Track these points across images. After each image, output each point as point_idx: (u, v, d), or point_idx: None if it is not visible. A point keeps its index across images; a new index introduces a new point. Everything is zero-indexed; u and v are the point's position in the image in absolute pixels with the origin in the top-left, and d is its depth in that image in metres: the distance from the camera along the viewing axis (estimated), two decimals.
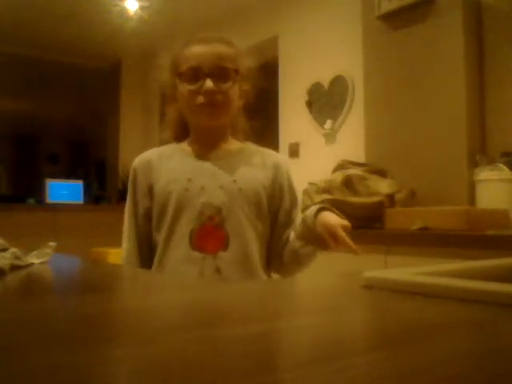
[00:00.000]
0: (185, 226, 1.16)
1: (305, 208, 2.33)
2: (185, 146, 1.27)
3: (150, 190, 1.22)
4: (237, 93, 1.21)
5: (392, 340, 0.37)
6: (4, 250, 0.83)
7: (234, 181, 1.19)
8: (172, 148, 1.28)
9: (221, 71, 1.17)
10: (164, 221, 1.18)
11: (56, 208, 4.49)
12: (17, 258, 0.81)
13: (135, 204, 1.24)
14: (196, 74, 1.17)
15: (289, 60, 3.58)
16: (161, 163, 1.23)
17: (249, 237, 1.18)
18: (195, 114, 1.21)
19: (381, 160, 2.62)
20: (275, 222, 1.24)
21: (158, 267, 1.18)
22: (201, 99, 1.16)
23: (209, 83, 1.15)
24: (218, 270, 1.14)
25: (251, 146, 1.29)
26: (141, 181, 1.24)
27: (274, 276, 1.29)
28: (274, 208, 1.24)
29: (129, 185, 1.26)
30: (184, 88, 1.18)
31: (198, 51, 1.18)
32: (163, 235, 1.17)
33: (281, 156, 1.38)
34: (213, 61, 1.16)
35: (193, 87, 1.17)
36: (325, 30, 3.28)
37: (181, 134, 1.29)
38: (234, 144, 1.27)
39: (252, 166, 1.24)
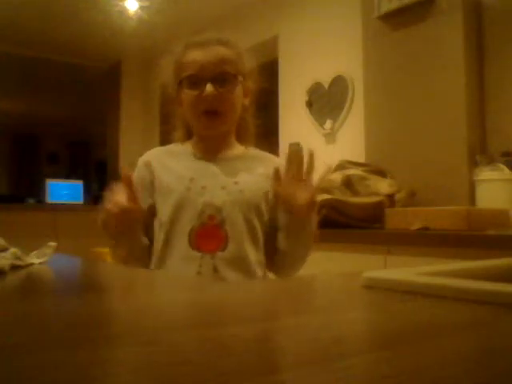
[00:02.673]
0: (185, 225, 1.16)
1: None
2: (189, 146, 1.28)
3: (153, 187, 1.23)
4: (240, 94, 1.22)
5: (392, 340, 0.37)
6: (4, 250, 0.83)
7: (236, 182, 1.20)
8: (177, 148, 1.29)
9: (222, 76, 1.18)
10: (165, 219, 1.18)
11: (56, 208, 4.49)
12: (17, 257, 0.81)
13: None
14: (197, 80, 1.18)
15: (289, 60, 3.58)
16: (163, 162, 1.24)
17: (247, 238, 1.18)
18: (198, 121, 1.22)
19: (381, 160, 2.62)
20: (276, 222, 1.25)
21: (157, 264, 1.19)
22: (203, 105, 1.17)
23: (209, 88, 1.16)
24: (215, 270, 1.14)
25: (254, 151, 1.30)
26: (143, 179, 1.24)
27: (272, 276, 1.29)
28: (274, 210, 1.25)
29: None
30: (186, 94, 1.20)
31: (198, 57, 1.18)
32: (163, 233, 1.18)
33: (279, 159, 1.39)
34: (213, 66, 1.17)
35: (194, 93, 1.18)
36: (325, 30, 3.28)
37: (188, 134, 1.30)
38: (237, 149, 1.28)
39: (254, 170, 1.25)
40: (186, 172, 1.21)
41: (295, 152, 1.16)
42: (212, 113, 1.18)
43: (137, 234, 1.19)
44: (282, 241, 1.23)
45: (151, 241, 1.24)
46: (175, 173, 1.22)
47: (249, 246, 1.18)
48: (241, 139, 1.31)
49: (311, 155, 1.16)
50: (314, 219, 1.22)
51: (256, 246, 1.20)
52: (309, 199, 1.14)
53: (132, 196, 1.09)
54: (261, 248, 1.22)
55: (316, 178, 1.17)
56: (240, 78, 1.21)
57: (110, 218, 1.10)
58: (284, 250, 1.23)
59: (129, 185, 1.09)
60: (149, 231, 1.23)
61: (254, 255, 1.19)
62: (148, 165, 1.25)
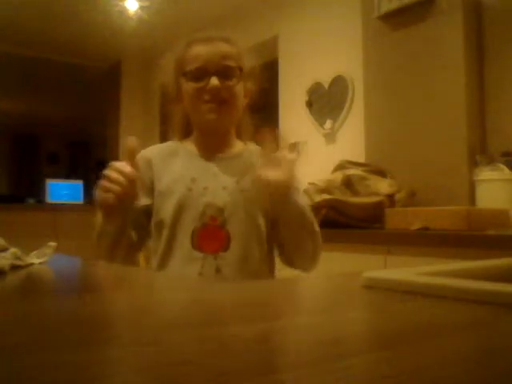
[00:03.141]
0: (187, 226, 1.16)
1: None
2: (189, 145, 1.27)
3: (152, 188, 1.22)
4: (242, 91, 1.22)
5: (392, 340, 0.37)
6: (4, 250, 0.83)
7: (237, 182, 1.20)
8: (174, 146, 1.28)
9: (226, 70, 1.18)
10: (166, 220, 1.18)
11: (56, 208, 4.49)
12: (17, 257, 0.81)
13: None
14: (201, 74, 1.18)
15: (289, 60, 3.58)
16: (163, 161, 1.24)
17: (250, 238, 1.18)
18: (201, 113, 1.21)
19: (381, 160, 2.62)
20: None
21: (159, 265, 1.19)
22: (206, 96, 1.17)
23: (214, 80, 1.16)
24: (218, 270, 1.14)
25: (253, 147, 1.30)
26: (142, 176, 1.23)
27: (278, 276, 1.28)
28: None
29: None
30: (189, 86, 1.19)
31: (203, 51, 1.19)
32: (165, 234, 1.18)
33: None
34: (217, 60, 1.18)
35: (198, 85, 1.18)
36: (325, 29, 3.28)
37: (185, 133, 1.30)
38: (237, 146, 1.28)
39: (254, 167, 1.24)
40: (187, 172, 1.21)
41: (269, 138, 1.11)
42: (216, 102, 1.18)
43: (128, 216, 1.13)
44: (280, 232, 1.19)
45: (143, 239, 1.23)
46: (176, 173, 1.21)
47: (253, 245, 1.18)
48: (240, 137, 1.31)
49: (281, 137, 1.13)
50: (304, 201, 1.18)
51: (260, 244, 1.20)
52: (286, 176, 1.08)
53: (135, 169, 1.04)
54: (266, 246, 1.21)
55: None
56: (242, 75, 1.21)
57: (110, 186, 1.02)
58: (284, 239, 1.19)
59: (132, 158, 1.04)
60: (141, 230, 1.22)
61: (258, 253, 1.19)
62: (149, 162, 1.24)
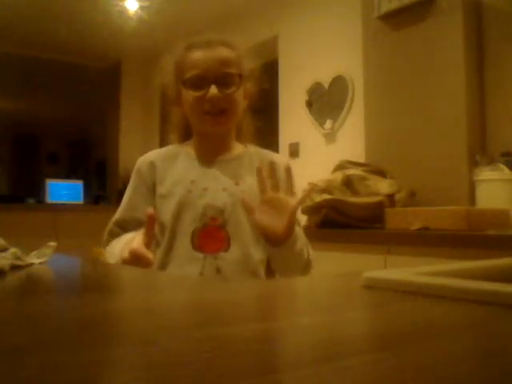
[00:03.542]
0: (187, 227, 1.16)
1: (305, 208, 2.32)
2: (188, 148, 1.28)
3: (154, 191, 1.22)
4: (241, 96, 1.21)
5: (392, 340, 0.37)
6: (4, 250, 0.83)
7: (237, 183, 1.20)
8: (175, 150, 1.28)
9: (225, 77, 1.17)
10: (167, 221, 1.18)
11: (56, 208, 4.49)
12: (17, 257, 0.81)
13: (137, 193, 1.24)
14: (201, 81, 1.17)
15: (289, 60, 3.58)
16: (165, 166, 1.24)
17: (250, 238, 1.18)
18: (200, 121, 1.22)
19: (381, 160, 2.62)
20: None
21: (160, 266, 1.19)
22: (206, 106, 1.17)
23: (213, 90, 1.15)
24: (218, 270, 1.14)
25: (253, 149, 1.30)
26: (146, 180, 1.24)
27: (278, 277, 1.29)
28: None
29: (131, 182, 1.26)
30: (189, 95, 1.19)
31: (202, 58, 1.18)
32: (166, 235, 1.18)
33: (279, 155, 1.38)
34: (217, 67, 1.17)
35: (198, 94, 1.17)
36: (325, 29, 3.28)
37: (185, 135, 1.30)
38: (237, 148, 1.28)
39: (254, 169, 1.24)
40: (186, 174, 1.21)
41: (269, 171, 1.05)
42: (216, 112, 1.18)
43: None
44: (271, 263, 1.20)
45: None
46: (176, 175, 1.22)
47: (252, 246, 1.18)
48: (240, 139, 1.31)
49: (288, 170, 1.08)
50: (299, 238, 1.14)
51: (260, 246, 1.20)
52: (285, 227, 1.04)
53: (149, 241, 1.01)
54: (264, 246, 1.22)
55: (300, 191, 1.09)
56: (242, 80, 1.21)
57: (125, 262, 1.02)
58: (273, 268, 1.21)
59: (150, 227, 1.02)
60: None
61: (258, 255, 1.19)
62: (153, 166, 1.24)
